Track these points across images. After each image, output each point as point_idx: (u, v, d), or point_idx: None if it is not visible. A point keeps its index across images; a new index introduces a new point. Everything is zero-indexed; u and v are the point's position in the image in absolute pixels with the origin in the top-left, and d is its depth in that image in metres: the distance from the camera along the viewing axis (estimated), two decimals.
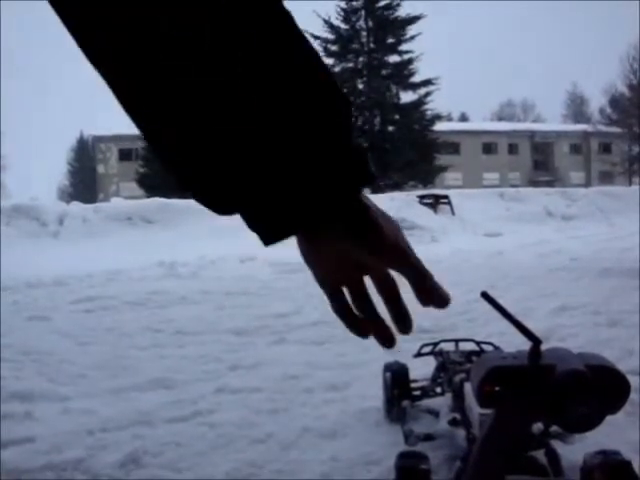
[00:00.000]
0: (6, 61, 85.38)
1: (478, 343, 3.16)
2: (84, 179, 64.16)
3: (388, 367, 3.15)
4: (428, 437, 2.62)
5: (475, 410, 2.27)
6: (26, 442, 2.97)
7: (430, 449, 2.50)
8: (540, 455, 2.28)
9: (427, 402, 3.05)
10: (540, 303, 6.14)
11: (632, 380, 3.04)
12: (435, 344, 3.19)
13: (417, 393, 3.09)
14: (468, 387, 2.46)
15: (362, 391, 3.52)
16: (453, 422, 2.56)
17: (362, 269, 0.68)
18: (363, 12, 33.53)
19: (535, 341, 0.86)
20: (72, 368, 4.29)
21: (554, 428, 2.51)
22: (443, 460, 2.50)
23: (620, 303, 5.83)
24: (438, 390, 3.02)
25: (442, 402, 2.83)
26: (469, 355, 3.02)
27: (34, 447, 2.92)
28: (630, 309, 5.34)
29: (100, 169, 50.08)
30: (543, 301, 6.24)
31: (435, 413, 2.82)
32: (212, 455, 2.82)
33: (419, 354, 3.17)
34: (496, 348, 3.02)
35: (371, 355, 4.33)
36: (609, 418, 2.81)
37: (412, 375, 3.14)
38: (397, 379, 3.07)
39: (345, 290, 0.70)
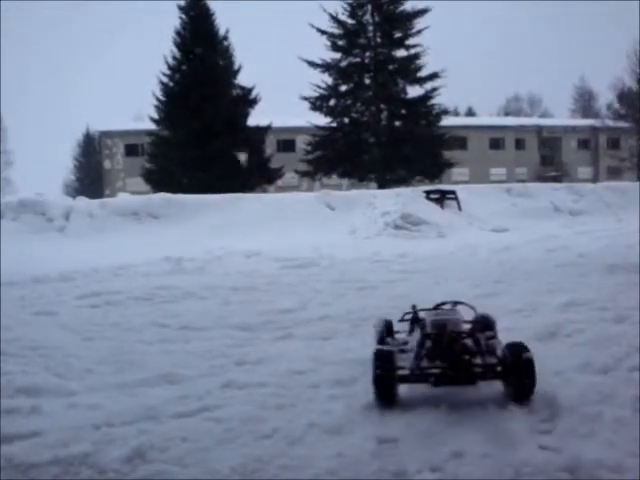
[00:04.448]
0: (12, 56, 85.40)
1: (455, 303, 4.06)
2: (90, 174, 64.18)
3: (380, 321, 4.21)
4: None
5: (429, 320, 3.57)
6: (33, 436, 2.98)
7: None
8: None
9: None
10: (547, 298, 6.12)
11: None
12: (414, 312, 4.13)
13: (397, 335, 4.16)
14: (424, 316, 3.74)
15: (368, 387, 3.51)
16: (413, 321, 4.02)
17: None
18: (369, 7, 33.38)
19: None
20: (78, 363, 4.30)
21: None
22: None
23: (627, 299, 5.80)
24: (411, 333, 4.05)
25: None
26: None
27: (41, 441, 2.92)
28: (637, 305, 5.32)
29: (106, 164, 50.06)
30: (550, 296, 6.22)
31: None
32: (218, 450, 2.82)
33: (402, 319, 4.20)
34: (472, 308, 4.04)
35: None
36: (617, 415, 2.84)
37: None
38: (386, 328, 4.13)
39: None
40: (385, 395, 3.27)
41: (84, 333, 5.26)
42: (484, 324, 3.86)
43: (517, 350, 3.22)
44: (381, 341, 3.99)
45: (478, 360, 3.35)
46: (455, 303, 4.06)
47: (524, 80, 78.99)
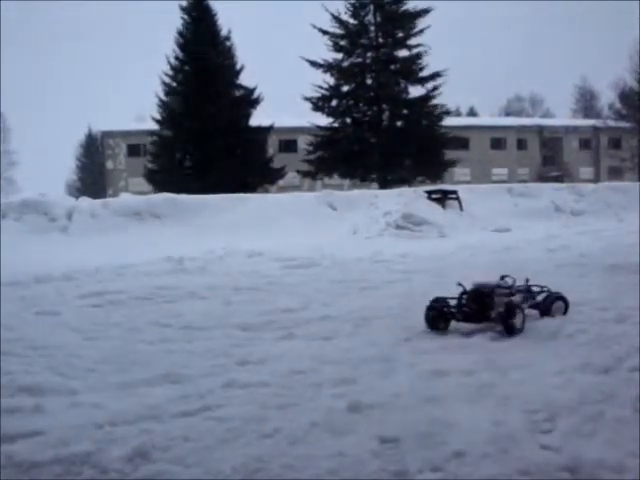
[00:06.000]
0: (14, 57, 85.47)
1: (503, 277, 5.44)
2: (93, 174, 64.23)
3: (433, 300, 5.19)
4: None
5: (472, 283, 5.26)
6: (35, 435, 2.99)
7: None
8: None
9: None
10: None
11: None
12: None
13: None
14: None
15: (369, 386, 3.53)
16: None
17: None
18: (371, 7, 33.39)
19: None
20: (81, 362, 4.31)
21: None
22: None
23: (628, 299, 5.80)
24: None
25: None
26: None
27: (43, 440, 2.93)
28: (637, 305, 5.32)
29: (109, 165, 50.08)
30: None
31: None
32: (220, 450, 2.83)
33: (459, 283, 5.33)
34: (513, 279, 5.42)
35: (378, 350, 4.34)
36: (618, 415, 2.85)
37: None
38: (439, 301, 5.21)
39: None
40: (431, 322, 5.02)
41: (86, 333, 5.27)
42: (509, 291, 5.24)
43: (511, 305, 4.89)
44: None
45: (491, 310, 4.94)
46: (503, 277, 5.48)
47: (525, 80, 79.05)
